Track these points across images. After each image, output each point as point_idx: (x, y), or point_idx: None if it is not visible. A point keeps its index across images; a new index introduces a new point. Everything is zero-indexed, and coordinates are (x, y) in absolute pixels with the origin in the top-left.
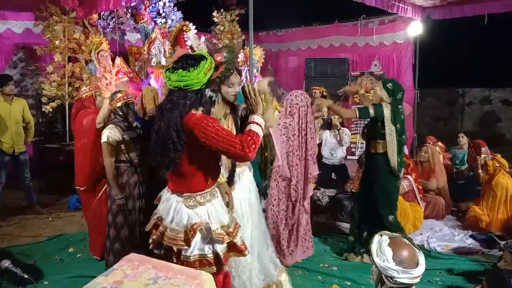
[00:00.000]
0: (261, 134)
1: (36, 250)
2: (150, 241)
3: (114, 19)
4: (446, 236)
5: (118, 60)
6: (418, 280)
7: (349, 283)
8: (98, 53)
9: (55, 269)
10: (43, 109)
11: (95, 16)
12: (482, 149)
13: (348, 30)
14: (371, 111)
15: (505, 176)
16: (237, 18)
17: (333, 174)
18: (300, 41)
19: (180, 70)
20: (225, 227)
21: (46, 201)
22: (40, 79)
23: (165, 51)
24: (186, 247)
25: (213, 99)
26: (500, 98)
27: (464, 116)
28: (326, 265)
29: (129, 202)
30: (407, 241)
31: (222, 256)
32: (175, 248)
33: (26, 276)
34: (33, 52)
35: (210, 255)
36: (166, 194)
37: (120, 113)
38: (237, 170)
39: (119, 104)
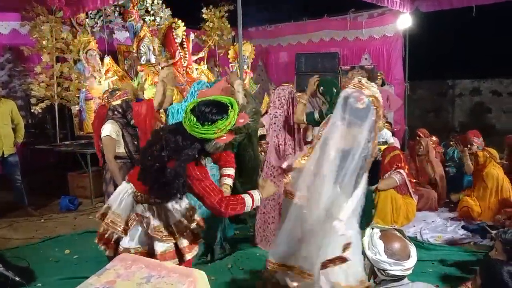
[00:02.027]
0: (248, 208)
1: (28, 252)
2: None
3: (102, 18)
4: (438, 227)
5: (107, 59)
6: (410, 271)
7: None
8: (86, 53)
9: (48, 271)
10: (32, 110)
11: (82, 15)
12: (475, 139)
13: (337, 24)
14: (316, 115)
15: (495, 167)
16: (226, 14)
17: None
18: (290, 36)
19: (198, 122)
20: (169, 227)
21: (37, 202)
22: (29, 80)
23: (154, 48)
24: (123, 235)
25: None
26: (490, 88)
27: (454, 108)
28: None
29: None
30: (398, 234)
31: (159, 255)
32: (113, 234)
33: (17, 279)
34: (21, 53)
35: (146, 251)
36: (123, 183)
37: (120, 110)
38: None
39: (119, 101)
